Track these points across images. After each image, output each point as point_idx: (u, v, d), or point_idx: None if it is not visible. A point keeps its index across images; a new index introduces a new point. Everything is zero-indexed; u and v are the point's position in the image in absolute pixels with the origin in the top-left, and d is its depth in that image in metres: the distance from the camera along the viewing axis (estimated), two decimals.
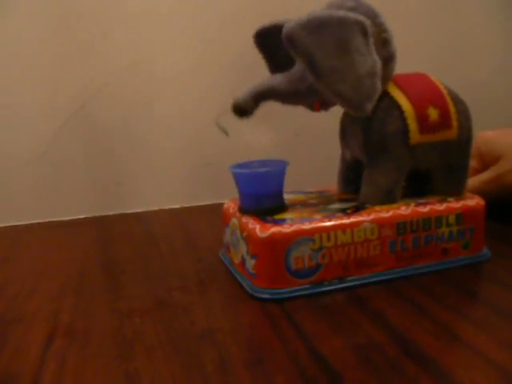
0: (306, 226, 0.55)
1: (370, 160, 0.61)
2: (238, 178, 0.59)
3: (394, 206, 0.59)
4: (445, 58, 1.01)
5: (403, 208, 0.59)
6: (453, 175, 0.63)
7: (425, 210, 0.59)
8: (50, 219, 0.89)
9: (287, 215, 0.58)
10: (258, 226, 0.55)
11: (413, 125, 0.59)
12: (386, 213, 0.58)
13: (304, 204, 0.63)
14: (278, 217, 0.57)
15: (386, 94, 0.59)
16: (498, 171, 0.72)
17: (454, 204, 0.61)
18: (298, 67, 0.57)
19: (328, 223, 0.55)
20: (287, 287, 0.55)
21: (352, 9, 0.56)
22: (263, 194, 0.59)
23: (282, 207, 0.60)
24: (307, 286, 0.55)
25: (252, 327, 0.50)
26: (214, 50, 0.90)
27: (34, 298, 0.58)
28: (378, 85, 0.55)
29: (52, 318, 0.53)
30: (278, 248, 0.54)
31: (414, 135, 0.59)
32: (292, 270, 0.54)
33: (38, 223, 0.89)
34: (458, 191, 0.64)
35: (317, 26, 0.53)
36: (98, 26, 0.86)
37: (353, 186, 0.66)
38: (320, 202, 0.63)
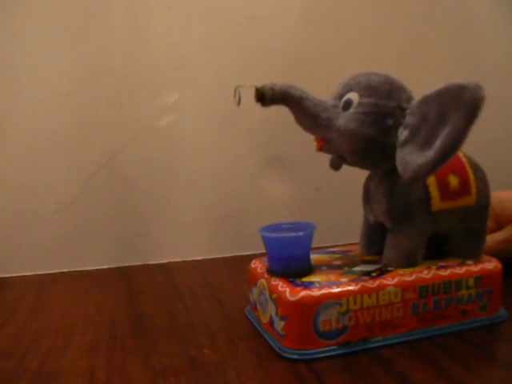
0: (334, 290, 0.57)
1: (393, 225, 0.63)
2: (267, 242, 0.62)
3: (417, 269, 0.62)
4: None
5: (425, 272, 0.61)
6: (471, 238, 0.66)
7: (445, 273, 0.62)
8: (75, 269, 0.92)
9: (314, 278, 0.60)
10: (288, 290, 0.57)
11: (434, 192, 0.62)
12: (409, 276, 0.60)
13: (329, 265, 0.65)
14: (305, 279, 0.60)
15: None
16: (508, 234, 0.75)
17: (473, 267, 0.63)
18: (329, 101, 0.61)
19: (354, 287, 0.58)
20: (315, 348, 0.57)
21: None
22: (292, 257, 0.61)
23: (309, 269, 0.62)
24: (334, 347, 0.57)
25: None
26: (237, 112, 0.94)
27: (67, 352, 0.60)
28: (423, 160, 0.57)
29: (88, 376, 0.55)
30: (307, 311, 0.56)
31: (436, 202, 0.62)
32: (320, 331, 0.57)
33: (63, 272, 0.91)
34: (475, 254, 0.66)
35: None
36: (127, 85, 0.90)
37: (375, 247, 0.68)
38: (344, 264, 0.66)
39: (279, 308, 0.58)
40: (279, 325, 0.59)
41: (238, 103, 0.59)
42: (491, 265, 0.64)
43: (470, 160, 0.65)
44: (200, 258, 0.96)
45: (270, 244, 0.62)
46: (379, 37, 0.99)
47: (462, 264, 0.64)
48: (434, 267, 0.63)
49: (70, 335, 0.65)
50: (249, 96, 0.57)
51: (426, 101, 0.57)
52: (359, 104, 0.60)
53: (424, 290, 0.60)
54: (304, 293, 0.57)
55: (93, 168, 0.91)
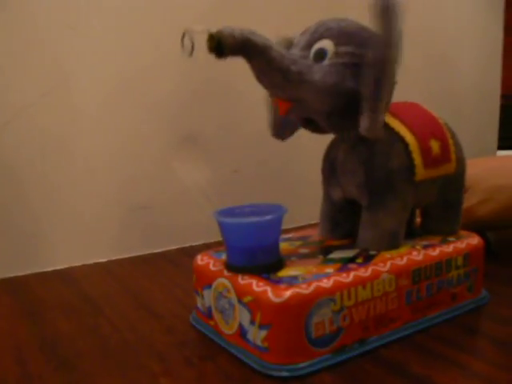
0: (325, 283, 0.46)
1: (372, 200, 0.53)
2: (226, 229, 0.49)
3: (404, 251, 0.53)
4: None
5: (415, 253, 0.52)
6: (449, 212, 0.59)
7: (435, 253, 0.54)
8: None
9: (292, 271, 0.48)
10: (269, 289, 0.45)
11: (418, 159, 0.53)
12: (400, 260, 0.51)
13: (297, 255, 0.53)
14: (281, 274, 0.48)
15: (385, 125, 0.52)
16: (465, 205, 0.69)
17: (460, 244, 0.56)
18: (296, 50, 0.50)
19: (347, 278, 0.47)
20: (307, 360, 0.45)
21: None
22: (259, 248, 0.49)
23: (280, 262, 0.50)
24: (328, 355, 0.46)
25: None
26: (145, 82, 0.78)
27: None
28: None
29: None
30: (297, 314, 0.44)
31: (419, 171, 0.53)
32: (312, 338, 0.45)
33: None
34: (454, 229, 0.59)
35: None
36: (3, 52, 0.70)
37: (341, 229, 0.58)
38: (313, 252, 0.55)
39: (257, 314, 0.45)
40: (257, 335, 0.46)
41: (191, 53, 0.45)
42: (475, 240, 0.58)
43: (446, 123, 0.57)
44: (104, 259, 0.79)
45: (231, 232, 0.49)
46: None
47: (444, 241, 0.56)
48: (418, 247, 0.54)
49: None
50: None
51: None
52: (336, 54, 0.49)
53: (417, 274, 0.52)
54: (291, 291, 0.44)
55: None
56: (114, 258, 0.79)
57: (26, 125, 0.72)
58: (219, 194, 0.83)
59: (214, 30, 0.44)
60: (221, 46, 0.44)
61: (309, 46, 0.50)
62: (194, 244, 0.83)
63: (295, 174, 0.88)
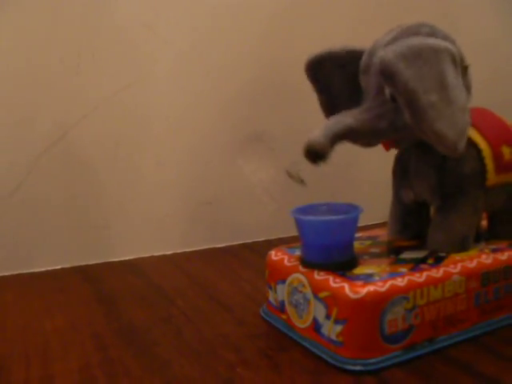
0: (400, 282, 0.47)
1: (444, 203, 0.55)
2: (304, 226, 0.51)
3: (473, 253, 0.54)
4: None
5: (484, 256, 0.53)
6: None
7: (503, 257, 0.54)
8: (22, 271, 0.74)
9: (367, 269, 0.50)
10: (346, 286, 0.46)
11: (490, 165, 0.54)
12: (470, 263, 0.52)
13: (369, 254, 0.55)
14: (358, 272, 0.49)
15: None
16: None
17: None
18: (375, 102, 0.50)
19: (420, 278, 0.48)
20: (379, 355, 0.47)
21: (431, 34, 0.50)
22: (335, 245, 0.50)
23: (354, 260, 0.52)
24: (399, 352, 0.48)
25: None
26: (213, 82, 0.81)
27: None
28: (469, 119, 0.49)
29: None
30: (373, 310, 0.46)
31: (491, 176, 0.54)
32: (386, 334, 0.47)
33: (7, 276, 0.74)
34: None
35: (415, 56, 0.46)
36: (86, 43, 0.74)
37: (410, 230, 0.59)
38: (384, 252, 0.56)
39: (334, 309, 0.47)
40: (333, 330, 0.47)
41: (302, 182, 0.49)
42: None
43: None
44: (170, 252, 0.82)
45: (309, 229, 0.51)
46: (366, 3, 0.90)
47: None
48: (487, 251, 0.55)
49: (47, 361, 0.50)
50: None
51: None
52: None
53: (486, 277, 0.53)
54: (368, 288, 0.46)
55: (42, 145, 0.74)
56: (179, 251, 0.82)
57: (101, 120, 0.76)
58: (283, 191, 0.85)
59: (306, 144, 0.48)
60: (316, 154, 0.48)
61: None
62: (256, 240, 0.86)
63: (359, 173, 0.89)
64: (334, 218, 0.50)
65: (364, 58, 0.53)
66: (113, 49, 0.76)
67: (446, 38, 0.51)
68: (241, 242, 0.85)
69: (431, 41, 0.48)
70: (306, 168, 0.86)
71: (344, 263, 0.50)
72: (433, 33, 0.50)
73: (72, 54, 0.73)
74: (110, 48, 0.76)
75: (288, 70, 0.78)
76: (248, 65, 0.81)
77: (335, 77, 0.55)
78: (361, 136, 0.50)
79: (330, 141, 0.48)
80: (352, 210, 0.51)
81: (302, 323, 0.52)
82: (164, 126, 0.80)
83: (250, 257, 0.78)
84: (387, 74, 0.46)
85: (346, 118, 0.49)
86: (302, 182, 0.50)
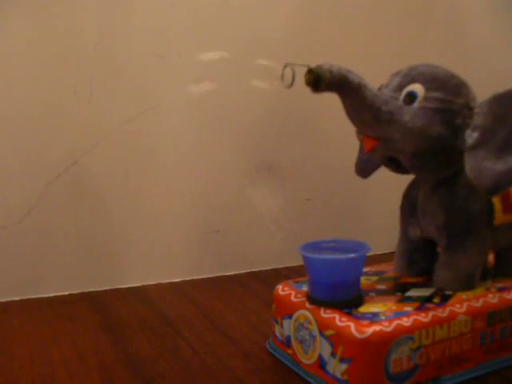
0: (406, 322, 0.48)
1: (451, 242, 0.55)
2: (312, 264, 0.51)
3: (480, 292, 0.54)
4: None
5: (490, 296, 0.54)
6: None
7: (510, 296, 0.55)
8: (29, 296, 0.75)
9: (373, 308, 0.50)
10: (352, 325, 0.47)
11: (498, 204, 0.55)
12: (476, 302, 0.52)
13: (376, 291, 0.55)
14: (363, 310, 0.50)
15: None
16: None
17: None
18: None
19: (426, 318, 0.49)
20: None
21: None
22: (342, 283, 0.51)
23: (360, 298, 0.52)
24: None
25: None
26: (224, 112, 0.82)
27: None
28: None
29: None
30: (378, 350, 0.46)
31: (499, 215, 0.55)
32: (390, 373, 0.47)
33: (14, 301, 0.74)
34: None
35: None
36: (98, 72, 0.76)
37: (417, 267, 0.60)
38: (391, 288, 0.56)
39: (339, 347, 0.48)
40: (338, 368, 0.48)
41: (290, 85, 0.48)
42: None
43: None
44: (178, 279, 0.82)
45: (316, 267, 0.51)
46: (376, 32, 0.91)
47: None
48: (493, 290, 0.55)
49: None
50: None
51: (500, 100, 0.50)
52: (425, 98, 0.51)
53: (491, 316, 0.53)
54: (374, 328, 0.46)
55: (53, 172, 0.75)
56: (187, 279, 0.82)
57: (112, 148, 0.77)
58: (291, 221, 0.86)
59: (312, 64, 0.47)
60: (319, 80, 0.46)
61: (400, 88, 0.52)
62: (263, 269, 0.86)
63: (365, 204, 0.90)
64: (341, 257, 0.50)
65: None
66: (125, 78, 0.77)
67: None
68: (248, 271, 0.85)
69: None
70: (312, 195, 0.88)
71: (350, 301, 0.51)
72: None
73: (85, 82, 0.75)
74: (123, 77, 0.77)
75: (297, 101, 0.79)
76: (258, 96, 0.82)
77: None
78: (360, 105, 0.49)
79: (338, 77, 0.47)
80: (359, 247, 0.51)
81: (307, 359, 0.52)
82: (174, 155, 0.80)
83: (257, 286, 0.79)
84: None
85: (361, 77, 0.49)
86: (291, 83, 0.47)
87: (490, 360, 0.53)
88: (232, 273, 0.85)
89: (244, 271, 0.85)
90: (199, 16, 0.80)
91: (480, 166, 0.49)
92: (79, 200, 0.77)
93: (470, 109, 0.51)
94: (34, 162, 0.74)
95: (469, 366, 0.52)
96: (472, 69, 0.89)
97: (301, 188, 0.87)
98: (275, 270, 0.85)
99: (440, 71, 0.52)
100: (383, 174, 0.60)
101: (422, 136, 0.50)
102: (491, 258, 0.62)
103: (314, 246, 0.53)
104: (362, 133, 0.53)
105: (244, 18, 0.83)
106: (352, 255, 0.50)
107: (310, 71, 0.47)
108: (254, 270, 0.86)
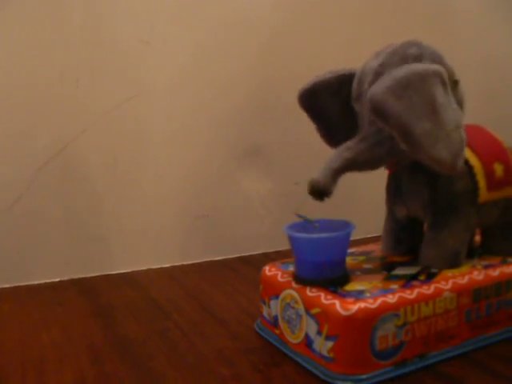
0: (391, 299, 0.48)
1: (436, 220, 0.55)
2: (297, 243, 0.52)
3: (465, 270, 0.54)
4: None
5: (476, 273, 0.54)
6: (510, 233, 0.60)
7: (495, 273, 0.55)
8: (19, 283, 0.75)
9: (358, 286, 0.51)
10: (337, 302, 0.47)
11: (482, 182, 0.55)
12: (461, 279, 0.53)
13: (361, 270, 0.56)
14: (349, 288, 0.50)
15: None
16: None
17: None
18: (371, 130, 0.51)
19: (411, 295, 0.49)
20: (370, 371, 0.47)
21: (418, 56, 0.51)
22: (328, 262, 0.51)
23: (347, 276, 0.52)
24: (390, 367, 0.48)
25: None
26: (211, 97, 0.82)
27: None
28: (464, 135, 0.50)
29: None
30: (364, 327, 0.47)
31: (483, 193, 0.55)
32: (376, 350, 0.47)
33: (5, 288, 0.74)
34: None
35: (403, 87, 0.47)
36: (85, 59, 0.75)
37: (404, 246, 0.60)
38: (377, 267, 0.57)
39: (325, 325, 0.48)
40: (324, 346, 0.48)
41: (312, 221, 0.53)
42: None
43: (510, 147, 0.59)
44: (167, 265, 0.83)
45: (302, 246, 0.52)
46: (363, 18, 0.91)
47: (505, 262, 0.57)
48: (479, 267, 0.55)
49: (43, 373, 0.51)
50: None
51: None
52: None
53: (477, 293, 0.53)
54: (359, 305, 0.47)
55: (42, 159, 0.75)
56: (177, 264, 0.83)
57: (100, 134, 0.77)
58: (280, 205, 0.86)
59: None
60: (320, 192, 0.51)
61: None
62: (253, 253, 0.86)
63: (354, 188, 0.90)
64: (325, 235, 0.50)
65: (354, 85, 0.54)
66: (111, 64, 0.77)
67: (433, 55, 0.52)
68: (238, 255, 0.85)
69: (418, 67, 0.49)
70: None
71: (336, 279, 0.51)
72: (420, 54, 0.51)
73: (71, 68, 0.74)
74: (109, 63, 0.77)
75: (286, 85, 0.79)
76: (245, 79, 0.82)
77: (329, 104, 0.56)
78: (361, 166, 0.51)
79: (332, 177, 0.50)
80: (344, 226, 0.52)
81: (294, 338, 0.52)
82: (162, 140, 0.80)
83: (246, 270, 0.79)
84: (379, 113, 0.47)
85: (344, 152, 0.50)
86: (311, 221, 0.53)
87: (476, 337, 0.53)
88: (221, 257, 0.85)
89: (233, 256, 0.85)
90: (184, 2, 0.80)
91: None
92: (68, 186, 0.77)
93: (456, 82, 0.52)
94: (22, 148, 0.74)
95: (455, 342, 0.52)
96: (459, 49, 0.91)
97: (289, 172, 0.87)
98: (264, 254, 0.85)
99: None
100: None
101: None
102: (478, 237, 0.62)
103: (300, 226, 0.53)
104: None
105: (229, 2, 0.82)
106: (336, 233, 0.50)
107: (311, 189, 0.51)
108: (243, 254, 0.86)
